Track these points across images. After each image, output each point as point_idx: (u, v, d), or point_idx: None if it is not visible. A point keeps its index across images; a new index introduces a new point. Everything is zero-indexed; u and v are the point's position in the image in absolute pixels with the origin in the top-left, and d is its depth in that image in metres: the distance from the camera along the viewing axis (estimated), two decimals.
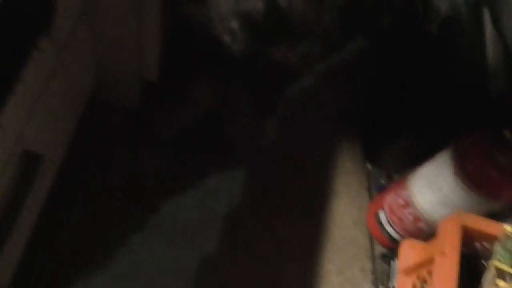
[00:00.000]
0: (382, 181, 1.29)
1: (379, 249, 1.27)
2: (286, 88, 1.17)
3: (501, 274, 0.88)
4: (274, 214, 1.25)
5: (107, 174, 1.18)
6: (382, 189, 1.26)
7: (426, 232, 1.13)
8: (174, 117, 1.20)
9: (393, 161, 1.26)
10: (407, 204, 1.13)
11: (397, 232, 1.19)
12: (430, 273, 0.98)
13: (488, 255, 0.92)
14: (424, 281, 1.02)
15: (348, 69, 1.46)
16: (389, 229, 1.20)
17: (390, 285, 1.20)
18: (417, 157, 1.14)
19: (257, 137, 1.25)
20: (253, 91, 1.13)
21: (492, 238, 0.92)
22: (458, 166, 1.01)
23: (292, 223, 1.25)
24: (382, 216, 1.21)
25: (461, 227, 0.93)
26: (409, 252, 1.08)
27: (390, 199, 1.19)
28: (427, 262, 1.00)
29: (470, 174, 0.99)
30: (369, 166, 1.34)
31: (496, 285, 0.86)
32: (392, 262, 1.21)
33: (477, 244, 0.96)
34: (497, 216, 1.04)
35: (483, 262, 0.92)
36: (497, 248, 0.89)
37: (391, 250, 1.23)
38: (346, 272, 1.25)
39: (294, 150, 1.35)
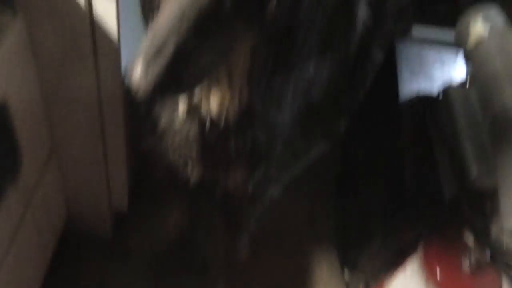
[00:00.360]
0: None
1: None
2: (253, 204, 1.20)
3: None
4: None
5: None
6: None
7: None
8: (146, 243, 1.22)
9: (368, 267, 1.25)
10: None
11: None
12: None
13: None
14: None
15: (314, 173, 1.49)
16: None
17: None
18: (390, 261, 1.13)
19: (231, 255, 1.25)
20: (221, 211, 1.16)
21: None
22: (428, 275, 1.00)
23: None
24: None
25: None
26: None
27: None
28: None
29: (441, 282, 0.98)
30: (346, 272, 1.32)
31: None
32: None
33: None
34: None
35: None
36: None
37: None
38: None
39: (269, 264, 1.34)
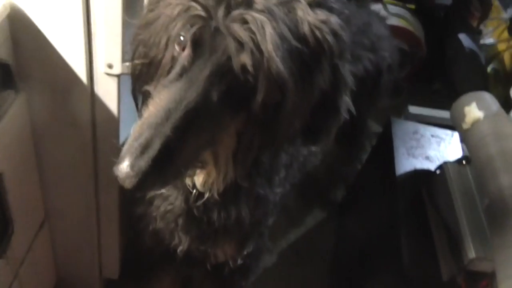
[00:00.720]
0: None
1: None
2: (245, 275, 1.17)
3: None
4: None
5: None
6: None
7: None
8: None
9: None
10: None
11: None
12: None
13: None
14: None
15: (311, 241, 1.47)
16: None
17: None
18: None
19: None
20: (213, 280, 1.13)
21: None
22: None
23: None
24: None
25: None
26: None
27: None
28: None
29: None
30: None
31: None
32: None
33: None
34: None
35: None
36: None
37: None
38: None
39: None
